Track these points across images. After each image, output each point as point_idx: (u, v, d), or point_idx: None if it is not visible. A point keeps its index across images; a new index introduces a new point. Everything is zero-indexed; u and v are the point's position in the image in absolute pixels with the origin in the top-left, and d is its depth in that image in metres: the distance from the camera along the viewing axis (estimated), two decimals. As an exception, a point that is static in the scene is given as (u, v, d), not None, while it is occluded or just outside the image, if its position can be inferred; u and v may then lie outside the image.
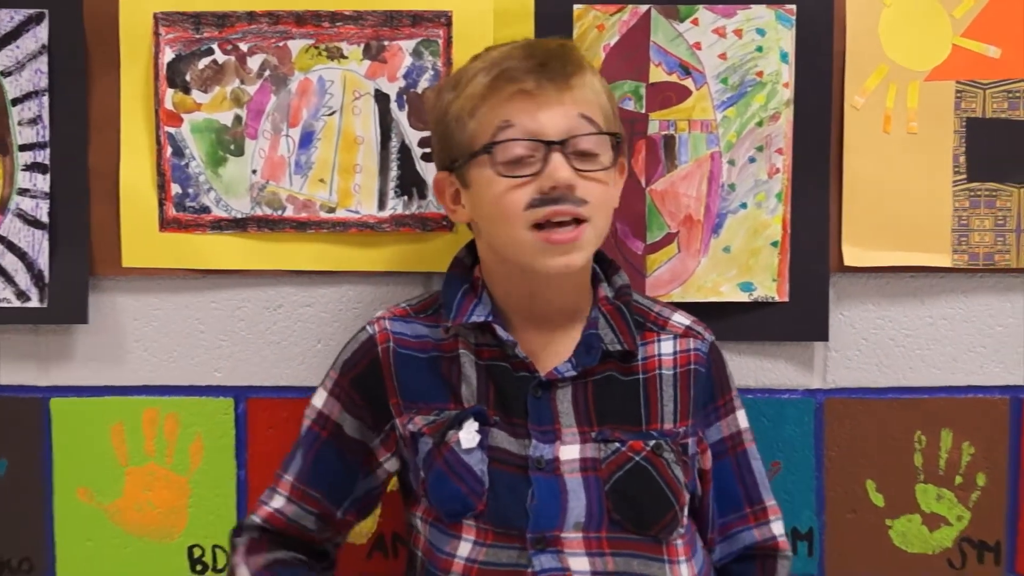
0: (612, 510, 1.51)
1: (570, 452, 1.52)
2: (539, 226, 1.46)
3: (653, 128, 1.75)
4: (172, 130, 1.76)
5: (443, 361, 1.56)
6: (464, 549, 1.53)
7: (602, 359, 1.55)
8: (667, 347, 1.58)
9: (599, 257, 1.60)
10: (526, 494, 1.50)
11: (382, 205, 1.77)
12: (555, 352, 1.56)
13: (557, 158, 1.46)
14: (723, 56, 1.75)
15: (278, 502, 1.60)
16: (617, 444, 1.53)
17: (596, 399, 1.54)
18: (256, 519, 1.60)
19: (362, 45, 1.75)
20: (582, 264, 1.50)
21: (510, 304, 1.56)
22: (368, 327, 1.59)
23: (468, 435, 1.51)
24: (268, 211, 1.77)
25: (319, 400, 1.61)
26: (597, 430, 1.53)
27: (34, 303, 1.78)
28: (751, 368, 1.81)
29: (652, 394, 1.56)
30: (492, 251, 1.54)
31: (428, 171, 1.75)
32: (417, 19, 1.74)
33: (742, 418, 1.63)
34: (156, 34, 1.75)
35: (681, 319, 1.62)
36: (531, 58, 1.48)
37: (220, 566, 1.83)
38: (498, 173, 1.47)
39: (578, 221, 1.47)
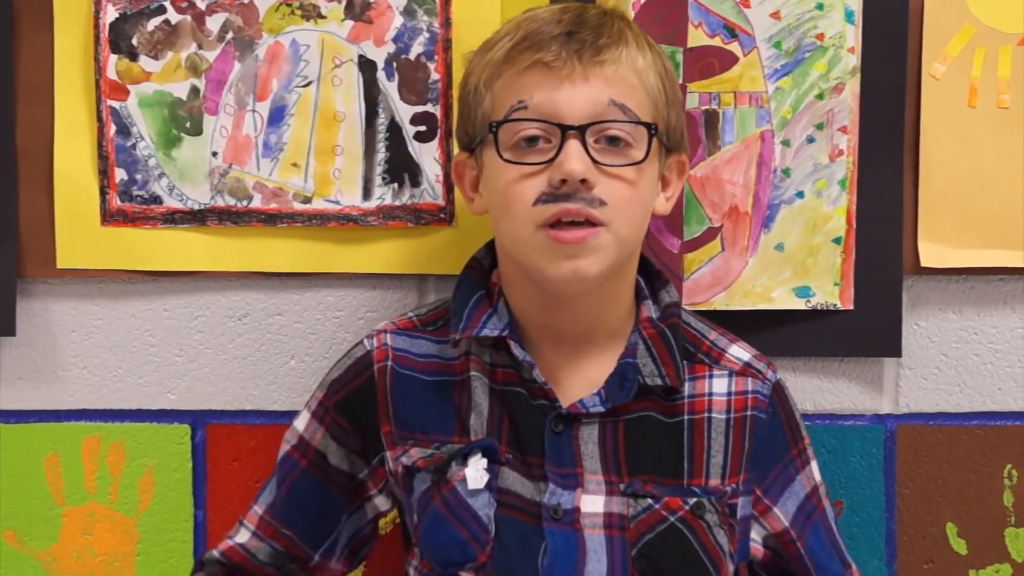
0: None
1: (593, 504, 1.44)
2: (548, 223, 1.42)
3: (692, 102, 1.67)
4: (116, 104, 1.70)
5: (451, 386, 1.49)
6: None
7: (639, 394, 1.46)
8: (720, 386, 1.49)
9: (646, 268, 1.52)
10: (538, 549, 1.43)
11: (367, 194, 1.70)
12: (584, 380, 1.47)
13: (573, 146, 1.38)
14: (776, 15, 1.67)
15: (242, 536, 1.57)
16: (650, 500, 1.44)
17: (628, 443, 1.46)
18: (215, 553, 1.58)
19: (343, 2, 1.68)
20: (597, 272, 1.41)
21: (530, 317, 1.48)
22: (366, 341, 1.53)
23: (475, 473, 1.44)
24: (231, 201, 1.71)
25: (301, 423, 1.55)
26: (627, 481, 1.45)
27: (-49, 312, 1.73)
28: (809, 389, 1.73)
29: (698, 442, 1.47)
30: (505, 251, 1.49)
31: (422, 153, 1.69)
32: (409, -29, 1.69)
33: (816, 470, 1.55)
34: (96, -11, 1.70)
35: (740, 353, 1.53)
36: (560, 23, 1.41)
37: (173, 623, 1.81)
38: (503, 158, 1.41)
39: (593, 224, 1.41)
